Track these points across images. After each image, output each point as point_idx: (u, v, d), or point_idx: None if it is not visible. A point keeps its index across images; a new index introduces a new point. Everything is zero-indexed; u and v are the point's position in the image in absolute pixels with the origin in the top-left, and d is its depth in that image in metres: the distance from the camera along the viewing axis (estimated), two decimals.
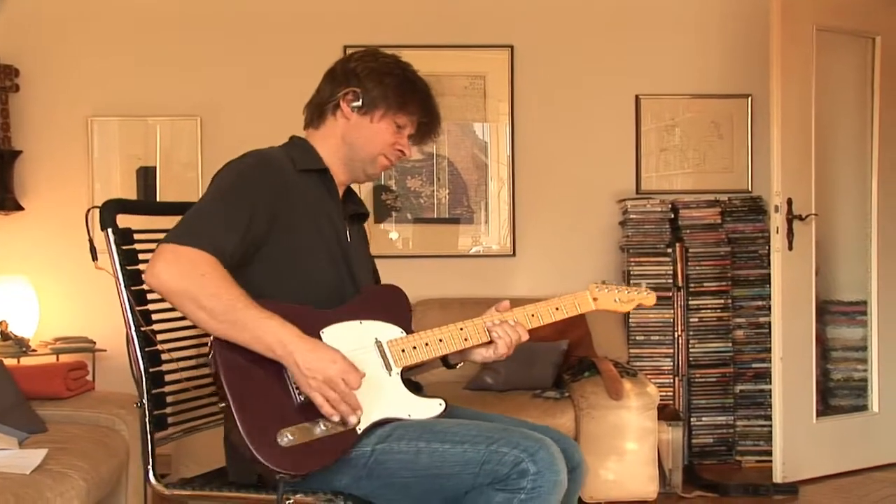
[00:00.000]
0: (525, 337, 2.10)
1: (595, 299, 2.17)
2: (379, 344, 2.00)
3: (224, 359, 1.85)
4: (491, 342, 2.10)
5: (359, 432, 1.89)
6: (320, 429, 1.85)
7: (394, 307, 2.08)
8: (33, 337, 4.31)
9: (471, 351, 2.12)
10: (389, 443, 1.90)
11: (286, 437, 1.81)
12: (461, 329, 2.07)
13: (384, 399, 1.95)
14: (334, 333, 1.95)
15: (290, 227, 2.00)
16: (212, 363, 1.87)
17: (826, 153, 4.46)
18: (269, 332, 1.83)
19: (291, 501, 1.88)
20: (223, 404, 1.83)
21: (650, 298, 2.22)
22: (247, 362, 1.85)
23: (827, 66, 4.35)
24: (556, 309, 2.14)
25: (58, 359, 4.09)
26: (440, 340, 2.04)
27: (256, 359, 1.85)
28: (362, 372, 1.88)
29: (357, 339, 1.97)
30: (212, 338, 1.87)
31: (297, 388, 1.87)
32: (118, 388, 3.67)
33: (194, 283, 1.81)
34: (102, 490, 2.90)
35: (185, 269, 1.82)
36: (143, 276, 1.83)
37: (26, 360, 4.02)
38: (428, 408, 2.01)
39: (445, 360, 2.16)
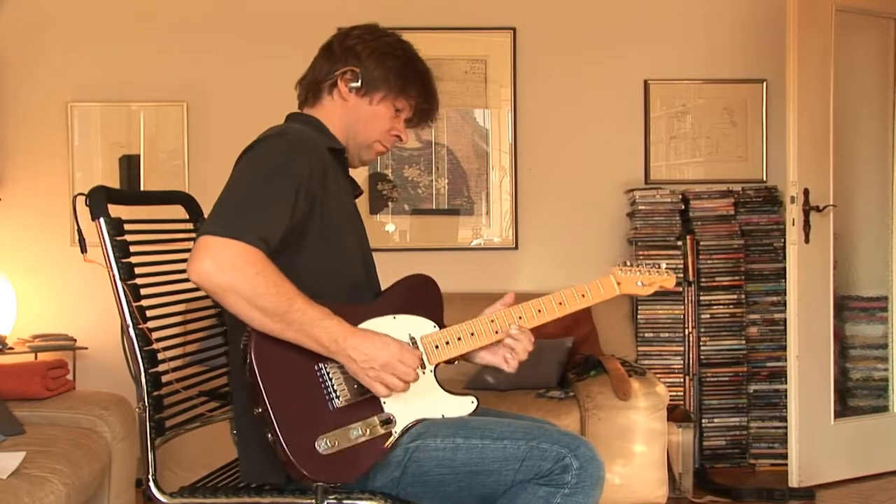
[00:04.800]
0: (530, 348, 2.11)
1: (619, 283, 2.18)
2: (413, 340, 2.02)
3: (262, 365, 1.86)
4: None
5: (395, 435, 1.94)
6: (356, 433, 1.89)
7: (426, 299, 2.10)
8: (10, 334, 4.30)
9: (475, 352, 2.13)
10: (424, 439, 1.95)
11: (325, 444, 1.86)
12: (492, 321, 2.09)
13: (418, 399, 1.99)
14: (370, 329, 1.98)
15: (325, 212, 2.00)
16: (248, 369, 1.87)
17: (845, 141, 4.44)
18: (325, 332, 1.86)
19: None
20: (259, 410, 1.85)
21: (670, 280, 2.22)
22: (284, 368, 1.88)
23: (847, 48, 4.34)
24: (583, 295, 2.15)
25: (36, 357, 4.09)
26: (472, 335, 2.07)
27: (293, 365, 1.89)
28: (419, 351, 1.97)
29: (392, 335, 1.98)
30: (251, 344, 1.86)
31: (334, 392, 1.90)
32: (100, 388, 3.70)
33: (249, 282, 1.80)
34: (84, 495, 2.90)
35: (237, 266, 1.79)
36: (187, 272, 1.81)
37: (3, 359, 4.00)
38: (461, 406, 2.05)
39: None
